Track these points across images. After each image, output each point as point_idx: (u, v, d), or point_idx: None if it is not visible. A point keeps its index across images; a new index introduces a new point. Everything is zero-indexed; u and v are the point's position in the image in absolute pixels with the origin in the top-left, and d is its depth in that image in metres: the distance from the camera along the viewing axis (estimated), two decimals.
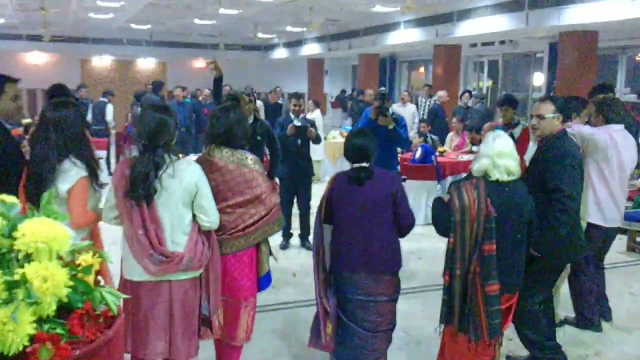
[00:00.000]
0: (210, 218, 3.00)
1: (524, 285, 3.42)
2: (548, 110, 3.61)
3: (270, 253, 3.53)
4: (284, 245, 6.64)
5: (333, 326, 3.41)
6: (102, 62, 19.92)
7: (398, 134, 5.90)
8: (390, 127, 5.84)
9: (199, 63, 20.57)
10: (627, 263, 6.06)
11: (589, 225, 4.36)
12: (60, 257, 1.64)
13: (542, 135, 3.64)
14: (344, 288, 3.42)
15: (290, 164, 6.33)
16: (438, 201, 3.34)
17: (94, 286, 1.70)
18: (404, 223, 3.39)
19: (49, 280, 1.53)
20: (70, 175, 2.95)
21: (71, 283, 1.60)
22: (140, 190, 2.80)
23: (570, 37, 9.58)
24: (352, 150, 3.40)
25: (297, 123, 6.29)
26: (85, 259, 1.72)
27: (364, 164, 3.36)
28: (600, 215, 4.38)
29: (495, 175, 3.14)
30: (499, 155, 3.14)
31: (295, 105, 6.53)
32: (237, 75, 17.55)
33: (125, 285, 2.97)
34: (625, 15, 7.74)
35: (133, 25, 15.73)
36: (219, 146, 3.31)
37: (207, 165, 3.24)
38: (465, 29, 10.91)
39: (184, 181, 2.86)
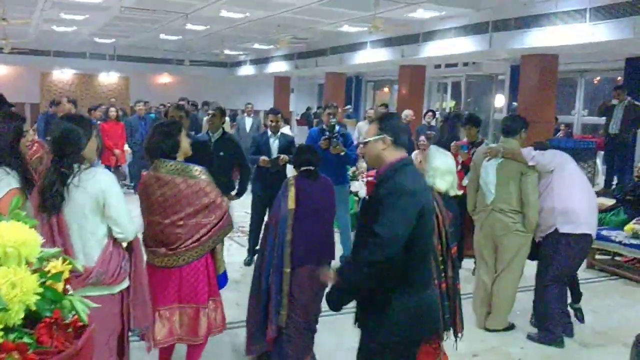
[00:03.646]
0: (122, 229, 2.88)
1: None
2: (370, 133, 2.79)
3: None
4: (249, 262, 6.53)
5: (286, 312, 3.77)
6: (62, 75, 19.56)
7: (348, 156, 6.28)
8: (342, 153, 6.08)
9: (163, 78, 20.40)
10: (586, 280, 6.16)
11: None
12: (28, 264, 1.57)
13: (371, 164, 2.88)
14: (302, 281, 3.75)
15: (264, 182, 6.25)
16: None
17: (63, 294, 1.63)
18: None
19: (18, 287, 1.46)
20: (0, 186, 2.87)
21: (40, 290, 1.53)
22: (46, 202, 2.74)
23: (532, 59, 9.84)
24: (303, 162, 4.01)
25: (273, 154, 6.26)
26: (54, 265, 1.64)
27: (311, 167, 4.00)
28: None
29: (455, 190, 3.41)
30: (453, 173, 3.42)
31: (272, 121, 6.46)
32: (202, 92, 17.50)
33: None
34: (584, 39, 8.00)
35: (96, 39, 15.52)
36: (162, 160, 3.39)
37: (154, 180, 3.37)
38: (431, 50, 11.11)
39: (88, 190, 2.77)
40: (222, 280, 3.63)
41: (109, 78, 20.13)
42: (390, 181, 2.62)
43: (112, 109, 10.99)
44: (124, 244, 2.98)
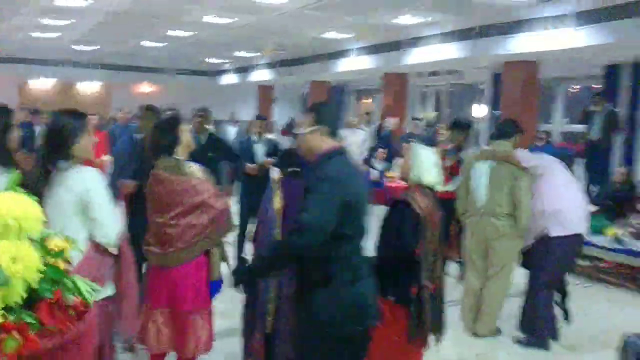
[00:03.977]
0: (105, 233, 2.73)
1: None
2: (306, 124, 2.73)
3: (224, 259, 3.52)
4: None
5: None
6: (42, 84, 19.30)
7: None
8: None
9: (145, 87, 20.23)
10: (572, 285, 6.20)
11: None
12: (29, 240, 1.50)
13: (305, 155, 2.79)
14: (291, 283, 3.56)
15: (249, 188, 6.22)
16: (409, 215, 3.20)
17: (65, 274, 1.57)
18: None
19: (20, 262, 1.40)
20: None
21: (42, 268, 1.47)
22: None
23: (515, 67, 9.94)
24: (288, 165, 3.87)
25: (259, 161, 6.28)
26: (56, 243, 1.58)
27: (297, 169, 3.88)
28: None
29: (440, 185, 3.40)
30: (438, 166, 3.40)
31: (258, 127, 6.57)
32: (185, 101, 17.33)
33: None
34: (569, 44, 8.08)
35: (78, 47, 15.34)
36: (161, 157, 3.34)
37: (153, 179, 3.33)
38: (416, 57, 11.16)
39: (71, 188, 2.65)
40: (215, 286, 3.47)
41: (90, 87, 19.93)
42: (319, 169, 2.61)
43: (94, 117, 10.83)
44: (113, 251, 2.84)
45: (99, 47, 15.41)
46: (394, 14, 9.32)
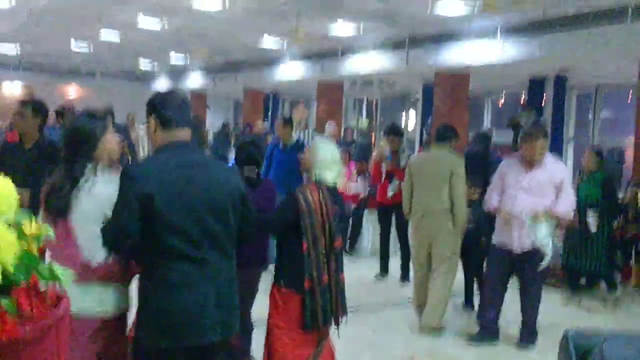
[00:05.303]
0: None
1: None
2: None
3: None
4: None
5: None
6: None
7: None
8: None
9: (72, 90, 19.53)
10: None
11: None
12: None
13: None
14: None
15: None
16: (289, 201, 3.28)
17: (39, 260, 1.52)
18: None
19: None
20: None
21: (20, 251, 1.41)
22: (53, 203, 2.50)
23: (446, 78, 10.30)
24: (245, 158, 3.85)
25: None
26: (30, 228, 1.51)
27: (255, 168, 3.85)
28: None
29: (339, 181, 3.43)
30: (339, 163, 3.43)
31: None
32: (115, 106, 16.80)
33: None
34: (496, 56, 8.48)
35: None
36: None
37: None
38: (350, 67, 11.37)
39: (98, 198, 2.50)
40: None
41: (12, 88, 19.06)
42: None
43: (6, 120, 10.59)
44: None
45: (20, 48, 14.75)
46: (326, 22, 9.45)
